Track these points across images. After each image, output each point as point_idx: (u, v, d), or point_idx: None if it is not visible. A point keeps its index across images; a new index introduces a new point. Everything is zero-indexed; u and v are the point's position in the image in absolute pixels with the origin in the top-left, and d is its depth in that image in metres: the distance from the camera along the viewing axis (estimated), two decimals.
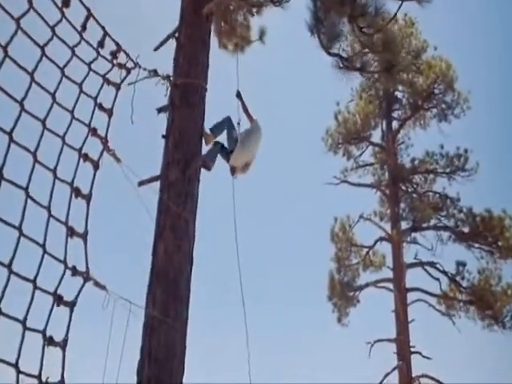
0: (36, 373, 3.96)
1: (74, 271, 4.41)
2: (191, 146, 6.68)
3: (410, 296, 15.79)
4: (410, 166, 16.49)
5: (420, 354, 15.48)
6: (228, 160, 7.20)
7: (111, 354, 5.30)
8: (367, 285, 16.21)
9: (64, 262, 4.26)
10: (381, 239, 16.23)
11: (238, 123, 7.40)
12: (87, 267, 4.59)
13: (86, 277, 4.53)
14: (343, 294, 16.06)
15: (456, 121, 16.65)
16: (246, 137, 7.26)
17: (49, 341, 4.32)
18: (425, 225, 16.04)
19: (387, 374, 14.95)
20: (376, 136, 17.40)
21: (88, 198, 4.77)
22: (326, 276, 16.12)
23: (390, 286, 15.97)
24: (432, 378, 15.38)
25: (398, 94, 17.22)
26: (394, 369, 14.99)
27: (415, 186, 16.61)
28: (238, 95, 7.47)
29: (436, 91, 16.25)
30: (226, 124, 7.33)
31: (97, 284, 4.88)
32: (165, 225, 6.29)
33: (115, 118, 5.25)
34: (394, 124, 17.27)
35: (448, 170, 16.07)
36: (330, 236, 16.38)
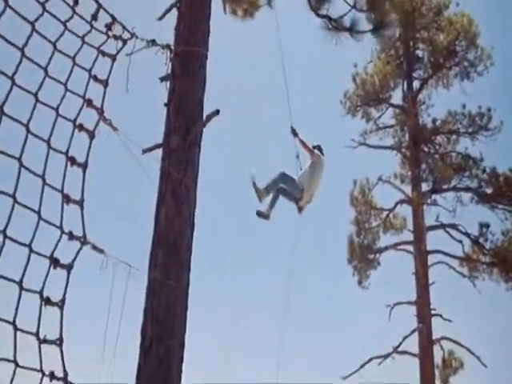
0: (34, 331, 4.24)
1: (71, 236, 4.62)
2: (192, 113, 6.78)
3: (431, 258, 15.76)
4: (431, 127, 16.19)
5: (441, 316, 15.54)
6: (297, 202, 7.26)
7: (113, 316, 5.59)
8: (387, 248, 16.24)
9: (60, 227, 4.48)
10: (401, 202, 16.14)
11: (297, 156, 7.43)
12: (84, 232, 4.81)
13: (83, 241, 4.75)
14: (363, 256, 16.14)
15: (479, 79, 16.19)
16: (310, 177, 7.22)
17: (46, 301, 4.59)
18: (446, 186, 15.84)
19: (406, 337, 15.09)
20: (396, 97, 17.11)
21: (84, 166, 4.95)
22: (346, 239, 16.20)
23: (411, 248, 15.96)
24: (452, 341, 15.48)
25: (419, 53, 16.79)
26: (412, 331, 15.12)
27: (437, 146, 16.35)
28: (293, 132, 7.35)
29: (458, 48, 15.76)
30: (281, 180, 7.33)
31: (95, 248, 5.10)
32: (166, 191, 6.50)
33: (117, 89, 5.38)
34: (415, 84, 16.88)
35: (470, 130, 15.73)
36: (349, 199, 16.38)
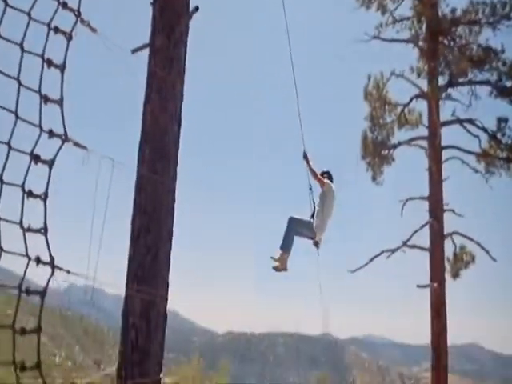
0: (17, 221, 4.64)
1: (51, 134, 4.87)
2: (176, 10, 6.74)
3: (445, 154, 15.68)
4: (450, 17, 15.38)
5: (453, 211, 15.76)
6: (313, 238, 7.08)
7: (101, 210, 5.98)
8: (400, 143, 16.17)
9: (39, 126, 4.73)
10: (416, 97, 15.80)
11: (310, 189, 7.16)
12: (65, 130, 5.05)
13: (65, 138, 5.01)
14: (377, 152, 16.16)
15: None
16: (321, 212, 7.00)
17: (28, 193, 4.95)
18: (463, 80, 15.35)
19: (416, 231, 15.43)
20: None
21: (62, 68, 5.10)
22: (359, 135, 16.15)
23: (425, 144, 15.87)
24: (463, 235, 15.79)
25: None
26: (422, 226, 15.42)
27: (456, 38, 15.61)
28: (305, 157, 7.04)
29: None
30: (293, 227, 6.99)
31: (76, 144, 5.34)
32: (151, 89, 6.66)
33: None
34: None
35: (492, 20, 14.89)
36: (363, 95, 16.10)
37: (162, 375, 6.16)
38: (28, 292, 5.11)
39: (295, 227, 6.90)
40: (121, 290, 6.13)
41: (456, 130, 15.67)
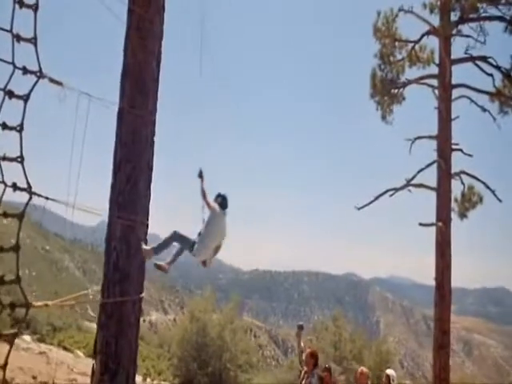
0: None
1: (25, 70, 5.20)
2: None
3: (455, 93, 15.43)
4: None
5: (461, 150, 15.67)
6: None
7: (89, 143, 6.36)
8: (410, 82, 15.95)
9: (12, 63, 5.05)
10: (427, 33, 15.40)
11: (203, 207, 6.79)
12: (39, 66, 5.36)
13: (40, 75, 5.33)
14: (386, 91, 16.01)
15: None
16: (205, 233, 6.70)
17: (3, 125, 5.34)
18: (475, 15, 14.85)
19: (421, 170, 15.46)
20: None
21: (34, 7, 5.35)
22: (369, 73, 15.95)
23: (435, 82, 15.61)
24: (470, 175, 15.78)
25: None
26: (428, 165, 15.42)
27: None
28: (200, 175, 6.74)
29: None
30: (172, 239, 6.74)
31: (52, 81, 5.69)
32: (131, 27, 6.89)
33: None
34: None
35: None
36: (372, 31, 15.77)
37: (142, 295, 6.72)
38: (5, 215, 5.58)
39: (175, 241, 6.73)
40: (103, 217, 6.63)
41: (467, 68, 15.34)
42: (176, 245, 6.80)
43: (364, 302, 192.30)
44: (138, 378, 15.05)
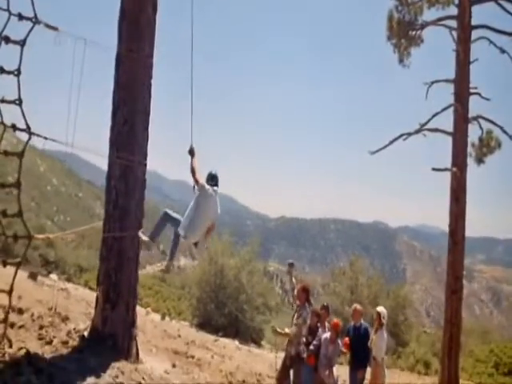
0: None
1: (20, 16, 5.39)
2: None
3: (474, 34, 14.93)
4: None
5: (479, 94, 15.31)
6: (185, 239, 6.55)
7: (86, 87, 6.61)
8: (428, 23, 15.49)
9: (7, 9, 5.26)
10: None
11: (194, 188, 6.54)
12: (35, 12, 5.55)
13: (35, 20, 5.52)
14: (403, 33, 15.60)
15: None
16: (194, 214, 6.42)
17: (1, 69, 5.60)
18: None
19: (436, 114, 15.23)
20: None
21: None
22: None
23: (454, 23, 15.14)
24: (487, 120, 15.50)
25: None
26: (443, 109, 15.17)
27: None
28: (191, 152, 6.53)
29: None
30: (165, 221, 6.69)
31: (48, 26, 5.88)
32: None
33: None
34: None
35: None
36: None
37: (140, 232, 7.08)
38: (6, 153, 5.93)
39: (167, 222, 6.69)
40: (104, 158, 6.94)
41: (486, 8, 14.75)
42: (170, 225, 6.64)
43: (391, 250, 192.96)
44: (156, 316, 15.88)
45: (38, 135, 5.77)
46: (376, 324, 7.58)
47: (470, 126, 15.45)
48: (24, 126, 5.63)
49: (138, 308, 15.64)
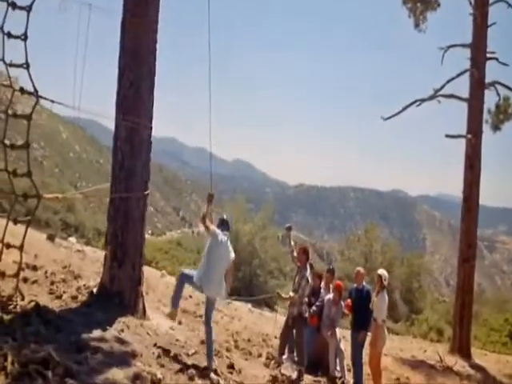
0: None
1: None
2: None
3: None
4: None
5: (496, 59, 15.03)
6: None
7: (92, 52, 6.74)
8: None
9: None
10: None
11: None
12: None
13: None
14: None
15: None
16: (205, 261, 6.40)
17: (8, 34, 5.76)
18: None
19: (451, 79, 15.00)
20: None
21: None
22: None
23: None
24: (505, 86, 15.23)
25: None
26: (459, 74, 14.93)
27: None
28: (210, 199, 6.67)
29: None
30: (182, 283, 6.64)
31: None
32: None
33: None
34: None
35: None
36: None
37: (148, 192, 7.29)
38: (15, 116, 6.15)
39: (185, 282, 6.64)
40: (109, 120, 7.11)
41: None
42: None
43: (411, 219, 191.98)
44: (171, 279, 16.22)
45: (45, 98, 5.96)
46: (377, 286, 7.71)
47: (486, 92, 15.25)
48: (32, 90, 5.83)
49: (153, 271, 16.00)
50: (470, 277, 15.14)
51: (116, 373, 4.60)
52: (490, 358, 15.62)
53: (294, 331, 7.93)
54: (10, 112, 5.82)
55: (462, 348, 14.28)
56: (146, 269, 16.30)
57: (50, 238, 13.86)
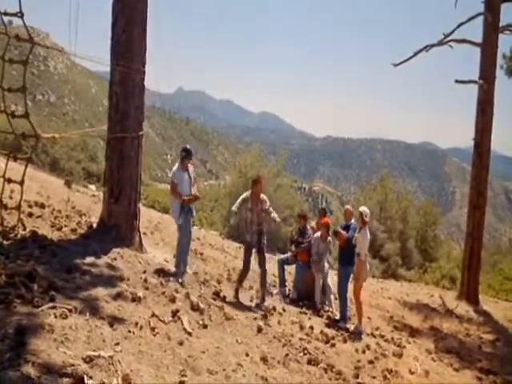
0: None
1: None
2: None
3: None
4: None
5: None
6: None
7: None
8: None
9: None
10: None
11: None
12: None
13: None
14: None
15: None
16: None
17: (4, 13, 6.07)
18: None
19: (462, 23, 14.71)
20: None
21: None
22: None
23: None
24: None
25: None
26: (470, 18, 14.58)
27: None
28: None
29: None
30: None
31: None
32: None
33: None
34: None
35: None
36: None
37: (142, 132, 7.73)
38: (11, 61, 6.53)
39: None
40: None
41: None
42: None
43: (440, 172, 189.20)
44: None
45: (39, 44, 6.38)
46: (360, 223, 8.06)
47: (500, 36, 14.91)
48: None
49: (168, 217, 16.46)
50: (479, 223, 15.12)
51: (100, 291, 5.09)
52: (499, 305, 15.64)
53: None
54: (6, 58, 6.17)
55: (469, 294, 14.36)
56: (159, 215, 16.89)
57: (67, 183, 14.58)
